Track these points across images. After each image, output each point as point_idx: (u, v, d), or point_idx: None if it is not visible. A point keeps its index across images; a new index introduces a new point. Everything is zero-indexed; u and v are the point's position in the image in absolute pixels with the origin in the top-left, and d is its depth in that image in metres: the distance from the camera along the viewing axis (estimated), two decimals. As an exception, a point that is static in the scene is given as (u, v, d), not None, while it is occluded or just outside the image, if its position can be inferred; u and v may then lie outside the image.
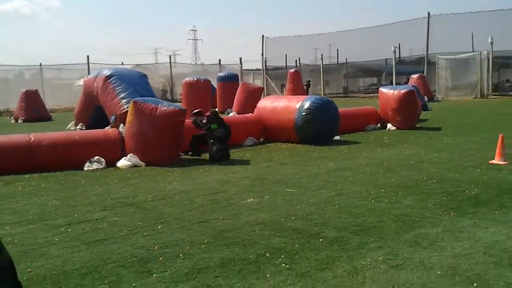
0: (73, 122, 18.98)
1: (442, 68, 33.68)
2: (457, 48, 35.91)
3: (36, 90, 26.64)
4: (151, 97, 13.38)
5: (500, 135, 9.21)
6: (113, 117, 16.14)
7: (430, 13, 36.75)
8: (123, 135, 10.62)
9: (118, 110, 16.01)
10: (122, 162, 10.02)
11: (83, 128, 18.03)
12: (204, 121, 10.71)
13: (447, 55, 34.22)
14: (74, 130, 17.90)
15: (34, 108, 25.38)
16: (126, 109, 15.35)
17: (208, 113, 10.82)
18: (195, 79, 20.19)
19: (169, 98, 42.16)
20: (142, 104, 10.22)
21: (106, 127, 15.90)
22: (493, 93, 31.89)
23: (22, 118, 25.04)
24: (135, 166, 9.95)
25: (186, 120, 10.67)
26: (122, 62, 44.90)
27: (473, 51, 34.41)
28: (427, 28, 36.48)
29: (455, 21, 36.95)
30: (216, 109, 20.64)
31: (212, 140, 10.29)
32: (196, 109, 11.77)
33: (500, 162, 8.79)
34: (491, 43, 31.18)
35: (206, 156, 10.74)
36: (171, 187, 7.88)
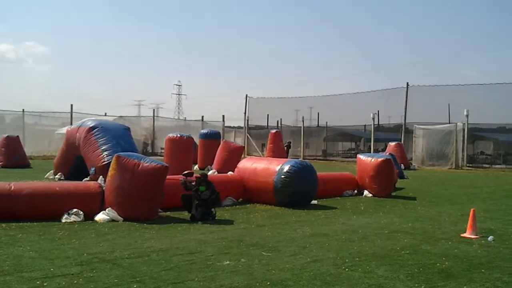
0: (52, 171, 18.90)
1: (419, 137, 34.56)
2: (434, 118, 37.04)
3: (17, 136, 26.57)
4: (133, 152, 13.54)
5: (472, 209, 9.50)
6: (92, 169, 16.17)
7: (409, 83, 37.98)
8: (103, 188, 10.66)
9: (98, 162, 16.07)
10: (100, 216, 10.02)
11: (62, 178, 17.97)
12: (193, 183, 10.82)
13: (424, 125, 35.21)
14: (52, 179, 17.84)
15: (14, 154, 25.25)
16: (106, 162, 15.44)
17: (198, 175, 10.95)
18: (178, 135, 20.40)
19: (150, 151, 42.27)
20: (125, 159, 10.34)
21: (85, 179, 15.93)
22: (467, 164, 32.69)
23: (1, 163, 24.84)
24: (113, 220, 9.95)
25: (168, 177, 10.78)
26: (106, 113, 45.18)
27: (449, 122, 35.46)
28: (405, 98, 37.59)
29: (433, 92, 38.12)
30: (209, 172, 20.77)
31: (197, 202, 10.38)
32: (186, 170, 11.87)
33: (472, 236, 9.03)
34: (467, 115, 32.25)
35: (185, 215, 10.80)
36: (149, 244, 7.91)
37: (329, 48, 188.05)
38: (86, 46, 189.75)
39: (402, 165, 27.05)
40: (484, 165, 33.77)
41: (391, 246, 8.09)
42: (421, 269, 6.71)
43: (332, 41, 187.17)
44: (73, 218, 9.86)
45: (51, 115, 39.32)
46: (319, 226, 9.97)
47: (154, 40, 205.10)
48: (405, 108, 37.30)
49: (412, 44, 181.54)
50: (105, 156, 15.98)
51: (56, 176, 18.29)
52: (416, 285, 5.97)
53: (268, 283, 5.89)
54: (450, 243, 8.50)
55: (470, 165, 33.00)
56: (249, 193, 13.51)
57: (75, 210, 10.00)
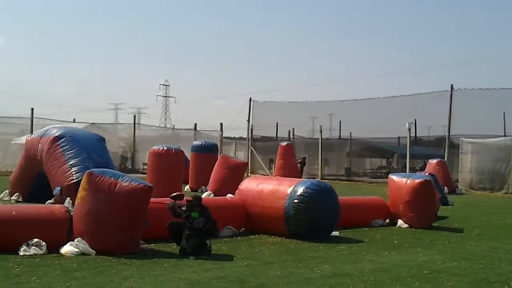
0: (7, 191, 18.94)
1: (467, 154, 34.36)
2: (486, 129, 36.98)
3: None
4: (109, 168, 13.57)
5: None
6: (57, 189, 16.20)
7: (454, 86, 37.85)
8: (71, 213, 10.68)
9: (65, 180, 16.11)
10: (68, 248, 10.03)
11: (20, 200, 18.01)
12: (183, 208, 10.82)
13: (473, 138, 35.08)
14: (8, 201, 17.87)
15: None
16: (75, 180, 15.47)
17: (189, 198, 10.95)
18: (165, 148, 20.42)
19: (130, 167, 42.32)
20: (99, 177, 10.37)
21: (48, 201, 15.96)
22: (529, 189, 32.47)
23: None
24: (83, 254, 9.95)
25: (152, 200, 10.80)
26: (74, 119, 45.33)
27: (505, 135, 35.37)
28: (449, 104, 37.47)
29: (484, 97, 37.93)
30: (203, 194, 20.78)
31: (189, 232, 10.37)
32: (175, 192, 11.86)
33: (534, 278, 8.99)
34: (527, 127, 32.15)
35: (173, 247, 10.79)
36: (127, 285, 7.91)
37: (354, 41, 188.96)
38: (51, 37, 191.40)
39: (445, 188, 26.96)
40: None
41: (432, 291, 8.05)
42: (470, 320, 6.69)
43: (357, 32, 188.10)
44: (33, 250, 9.86)
45: (7, 120, 39.45)
46: (342, 264, 9.94)
47: (136, 30, 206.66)
48: (449, 117, 37.21)
49: (458, 38, 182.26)
50: (74, 173, 16.02)
51: (13, 198, 18.33)
52: None
53: (278, 335, 5.87)
54: (506, 287, 8.46)
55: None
56: (253, 221, 13.50)
57: (36, 240, 10.00)
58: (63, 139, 16.99)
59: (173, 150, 20.43)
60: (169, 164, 19.79)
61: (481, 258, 11.00)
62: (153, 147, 20.88)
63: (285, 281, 8.45)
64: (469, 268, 9.89)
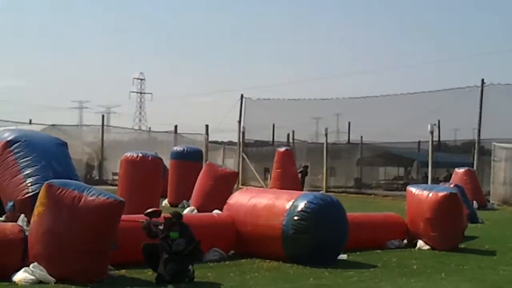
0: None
1: (501, 161, 34.47)
2: (523, 133, 37.08)
3: None
4: (72, 179, 13.53)
5: None
6: (10, 204, 16.13)
7: (485, 81, 37.96)
8: (27, 233, 10.66)
9: (19, 193, 16.04)
10: (22, 275, 9.99)
11: (-36, 217, 17.93)
12: (161, 226, 10.80)
13: (508, 142, 35.16)
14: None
15: None
16: (31, 193, 15.41)
17: (167, 215, 10.94)
18: (139, 155, 20.38)
19: (97, 178, 42.26)
20: (60, 190, 10.34)
21: (-1, 218, 15.90)
22: None
23: None
24: (40, 282, 9.92)
25: (123, 217, 10.79)
26: (31, 120, 45.18)
27: (546, 139, 35.45)
28: (480, 102, 37.58)
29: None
30: (185, 211, 20.78)
31: (167, 255, 10.35)
32: (150, 207, 11.84)
33: None
34: None
35: (148, 274, 10.79)
36: (94, 319, 7.90)
37: (364, 27, 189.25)
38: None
39: (474, 202, 26.99)
40: None
41: (459, 326, 8.07)
42: None
43: (368, 16, 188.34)
44: (-20, 277, 9.85)
45: None
46: (350, 294, 9.96)
47: (105, 13, 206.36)
48: (479, 117, 37.32)
49: (490, 24, 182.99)
50: (30, 185, 15.93)
51: (-45, 214, 18.25)
52: None
53: None
54: (547, 321, 8.50)
55: None
56: (245, 242, 13.50)
57: (-17, 265, 9.99)
58: (17, 144, 16.90)
59: (150, 157, 20.38)
60: (145, 174, 19.72)
61: (517, 286, 11.06)
62: (126, 154, 20.83)
63: (282, 314, 8.46)
64: (503, 299, 9.94)
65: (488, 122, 37.50)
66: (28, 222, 11.53)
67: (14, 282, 9.91)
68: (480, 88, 37.66)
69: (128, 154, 20.71)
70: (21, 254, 10.37)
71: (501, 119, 39.31)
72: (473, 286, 10.89)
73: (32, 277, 9.97)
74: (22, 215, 14.36)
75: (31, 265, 10.13)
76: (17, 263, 10.24)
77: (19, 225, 11.31)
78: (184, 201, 24.82)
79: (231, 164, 44.54)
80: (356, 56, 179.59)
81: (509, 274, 12.31)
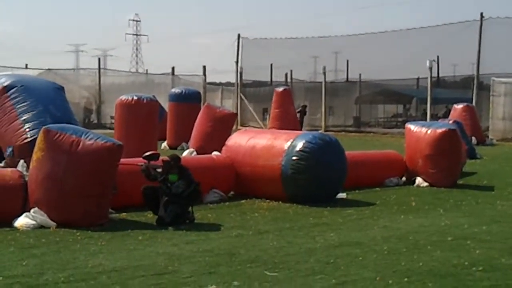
0: None
1: (500, 96, 34.39)
2: (523, 67, 36.92)
3: None
4: (70, 123, 13.53)
5: None
6: (9, 149, 16.16)
7: (484, 14, 37.63)
8: (26, 179, 10.70)
9: (17, 139, 16.06)
10: (23, 221, 10.07)
11: (-36, 164, 17.99)
12: (159, 169, 10.84)
13: (507, 77, 35.02)
14: (-51, 166, 17.85)
15: None
16: (30, 139, 15.44)
17: (166, 158, 10.97)
18: (134, 98, 20.27)
19: (95, 122, 42.24)
20: (58, 135, 10.34)
21: (-1, 164, 15.96)
22: None
23: None
24: (41, 227, 10.01)
25: (122, 161, 10.82)
26: (27, 65, 44.95)
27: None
28: (479, 37, 37.31)
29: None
30: (184, 153, 20.82)
31: (167, 198, 10.41)
32: (148, 151, 11.86)
33: None
34: None
35: (149, 216, 10.86)
36: (95, 262, 7.99)
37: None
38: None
39: (473, 138, 27.04)
40: None
41: (456, 260, 8.17)
42: (500, 293, 6.81)
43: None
44: (-19, 224, 9.93)
45: None
46: (350, 232, 10.05)
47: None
48: (478, 52, 37.11)
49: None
50: (28, 130, 15.93)
51: (-45, 161, 18.31)
52: (493, 317, 6.06)
53: (274, 317, 5.97)
54: (544, 254, 8.59)
55: None
56: (244, 183, 13.57)
57: (-16, 212, 10.06)
58: (14, 89, 16.83)
59: (145, 100, 20.30)
60: (140, 117, 19.69)
61: (515, 220, 11.15)
62: (120, 97, 20.75)
63: (282, 253, 8.55)
64: (500, 233, 10.02)
65: (487, 57, 37.30)
66: (28, 167, 11.56)
67: (16, 227, 9.99)
68: (479, 22, 37.34)
69: (123, 97, 20.62)
70: (22, 200, 10.45)
71: (501, 54, 39.09)
72: (471, 221, 10.97)
73: (33, 222, 10.05)
74: (22, 161, 14.38)
75: (32, 210, 10.22)
76: (17, 208, 10.33)
77: (18, 171, 11.36)
78: (183, 143, 24.83)
79: (229, 105, 44.47)
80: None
81: (507, 209, 12.39)
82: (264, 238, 9.53)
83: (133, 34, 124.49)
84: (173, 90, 29.38)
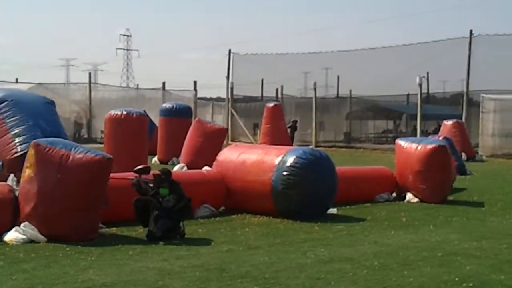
0: None
1: (489, 113, 34.53)
2: (511, 84, 37.04)
3: None
4: (60, 137, 13.51)
5: None
6: (-1, 164, 16.13)
7: (473, 32, 37.85)
8: (16, 193, 10.68)
9: (7, 153, 16.02)
10: (13, 235, 10.04)
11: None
12: (150, 183, 10.83)
13: (496, 94, 35.19)
14: None
15: None
16: (19, 153, 15.40)
17: (157, 172, 10.97)
18: (124, 112, 20.30)
19: (85, 136, 42.19)
20: (48, 149, 10.33)
21: (-12, 179, 15.90)
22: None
23: None
24: (31, 241, 9.97)
25: (112, 175, 10.81)
26: (17, 79, 44.96)
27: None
28: (468, 53, 37.56)
29: (510, 45, 37.99)
30: (175, 168, 20.79)
31: (157, 212, 10.40)
32: (139, 164, 11.85)
33: None
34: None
35: (139, 231, 10.85)
36: (86, 276, 7.97)
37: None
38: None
39: (463, 154, 27.14)
40: None
41: (447, 276, 8.19)
42: (491, 309, 6.83)
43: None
44: (-30, 238, 9.89)
45: None
46: (340, 247, 10.06)
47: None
48: (468, 69, 37.34)
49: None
50: (18, 144, 15.88)
51: None
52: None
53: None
54: (534, 270, 8.62)
55: None
56: (235, 198, 13.57)
57: (-27, 226, 10.02)
58: (4, 103, 16.80)
59: (134, 115, 20.33)
60: (130, 131, 19.71)
61: (505, 236, 11.15)
62: (110, 112, 20.76)
63: (273, 268, 8.54)
64: (490, 249, 10.03)
65: (477, 74, 37.53)
66: (18, 181, 11.52)
67: (5, 241, 9.95)
68: (468, 39, 37.60)
69: (112, 112, 20.64)
70: (11, 214, 10.40)
71: (490, 71, 39.34)
72: (462, 237, 10.99)
73: (23, 237, 10.01)
74: (12, 175, 14.31)
75: (22, 225, 10.17)
76: (7, 223, 10.28)
77: (8, 185, 11.31)
78: (174, 158, 24.84)
79: (220, 120, 44.51)
80: (344, 9, 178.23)
81: (497, 225, 12.44)
82: (254, 253, 9.52)
83: (124, 49, 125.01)
84: (164, 105, 29.42)
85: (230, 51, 47.63)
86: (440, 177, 15.71)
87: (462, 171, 22.22)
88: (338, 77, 49.77)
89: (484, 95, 35.24)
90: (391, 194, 16.12)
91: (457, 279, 8.05)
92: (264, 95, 49.04)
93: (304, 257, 9.30)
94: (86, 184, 10.21)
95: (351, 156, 32.52)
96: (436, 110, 43.39)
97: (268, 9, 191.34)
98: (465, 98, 37.19)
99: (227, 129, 30.31)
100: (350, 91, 47.17)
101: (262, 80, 49.04)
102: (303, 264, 8.83)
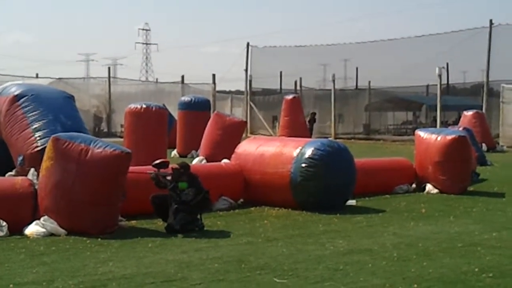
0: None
1: (510, 103, 34.31)
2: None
3: None
4: (80, 132, 13.57)
5: None
6: (20, 158, 16.22)
7: (494, 21, 37.55)
8: (36, 187, 10.74)
9: (28, 148, 16.11)
10: (33, 229, 10.11)
11: (-25, 173, 18.06)
12: (169, 177, 10.86)
13: (517, 84, 34.93)
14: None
15: None
16: (40, 147, 15.49)
17: (175, 166, 11.00)
18: (144, 106, 20.36)
19: (105, 130, 42.35)
20: (67, 143, 10.38)
21: (9, 173, 16.01)
22: None
23: None
24: (51, 234, 10.04)
25: (131, 169, 10.85)
26: (37, 74, 45.18)
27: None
28: (488, 44, 37.26)
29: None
30: (194, 161, 20.84)
31: (176, 205, 10.43)
32: (158, 158, 11.89)
33: None
34: None
35: (158, 224, 10.88)
36: (105, 269, 8.01)
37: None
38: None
39: (483, 145, 26.96)
40: None
41: (467, 267, 8.16)
42: (511, 300, 6.79)
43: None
44: (-8, 232, 9.97)
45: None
46: (359, 239, 10.04)
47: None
48: (488, 59, 37.02)
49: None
50: (38, 138, 15.98)
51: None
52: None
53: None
54: (555, 261, 8.56)
55: None
56: (253, 191, 13.58)
57: (-5, 220, 10.10)
58: (25, 98, 16.90)
59: (154, 108, 20.38)
60: (149, 125, 19.76)
61: (526, 227, 11.11)
62: (129, 106, 20.83)
63: (291, 260, 8.55)
64: (511, 240, 9.98)
65: (497, 64, 37.23)
66: (38, 176, 11.60)
67: (26, 235, 10.03)
68: (488, 29, 37.31)
69: (132, 106, 20.72)
70: (32, 208, 10.48)
71: (510, 60, 39.00)
72: (482, 228, 10.93)
73: (44, 230, 10.09)
74: (32, 169, 14.41)
75: (42, 218, 10.25)
76: (28, 216, 10.36)
77: (29, 179, 11.39)
78: (193, 151, 24.88)
79: (239, 113, 44.51)
80: (363, 1, 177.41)
81: (518, 216, 12.38)
82: (273, 245, 9.53)
83: (143, 43, 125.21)
84: (182, 98, 29.48)
85: (248, 44, 47.58)
86: (460, 168, 15.62)
87: (483, 162, 22.08)
88: (357, 68, 49.51)
89: (505, 85, 34.94)
90: (411, 185, 16.05)
91: (477, 269, 8.02)
92: (282, 87, 48.93)
93: (323, 248, 9.29)
94: (105, 178, 10.26)
95: (370, 147, 32.42)
96: (456, 101, 43.01)
97: (286, 2, 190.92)
98: (485, 88, 36.87)
99: (246, 122, 30.25)
100: (369, 82, 46.89)
101: (281, 73, 48.89)
102: (322, 255, 8.83)
